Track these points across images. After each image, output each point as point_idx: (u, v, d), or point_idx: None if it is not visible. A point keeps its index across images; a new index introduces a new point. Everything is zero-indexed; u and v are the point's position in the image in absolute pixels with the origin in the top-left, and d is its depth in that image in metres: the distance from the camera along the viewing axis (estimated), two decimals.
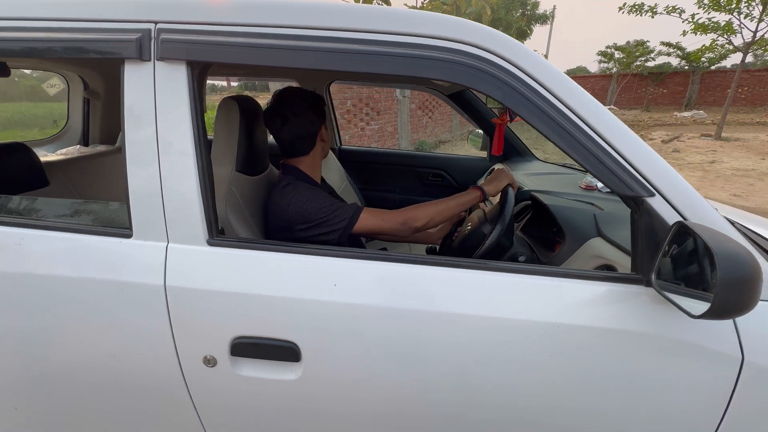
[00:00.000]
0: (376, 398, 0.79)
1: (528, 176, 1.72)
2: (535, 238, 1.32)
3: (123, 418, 0.89)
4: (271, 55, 0.70)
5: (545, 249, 1.24)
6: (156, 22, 0.72)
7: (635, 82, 18.85)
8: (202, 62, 0.73)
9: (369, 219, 1.00)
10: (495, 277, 0.75)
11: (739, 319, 0.70)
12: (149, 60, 0.72)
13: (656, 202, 0.69)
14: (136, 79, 0.73)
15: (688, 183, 0.71)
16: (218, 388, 0.80)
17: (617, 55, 18.71)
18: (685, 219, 0.68)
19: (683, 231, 0.65)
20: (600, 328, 0.71)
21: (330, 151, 1.85)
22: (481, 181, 1.43)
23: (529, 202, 1.46)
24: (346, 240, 0.99)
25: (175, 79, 0.72)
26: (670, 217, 0.68)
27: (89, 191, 1.58)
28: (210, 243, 0.76)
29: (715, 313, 0.57)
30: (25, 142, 1.30)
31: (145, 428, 0.90)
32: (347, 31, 0.70)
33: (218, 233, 0.78)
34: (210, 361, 0.77)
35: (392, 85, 3.16)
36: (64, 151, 1.95)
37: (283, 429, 0.85)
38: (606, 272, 0.79)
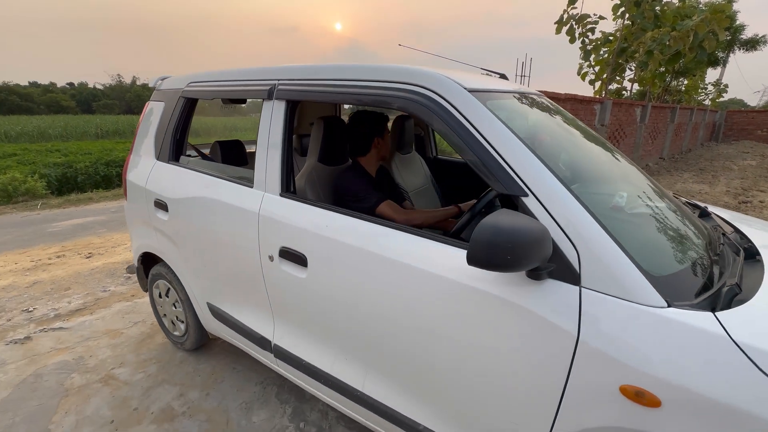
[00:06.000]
0: (346, 300, 1.26)
1: None
2: None
3: (235, 284, 1.65)
4: (320, 95, 1.31)
5: None
6: (278, 80, 1.44)
7: None
8: (292, 100, 1.41)
9: (385, 209, 1.50)
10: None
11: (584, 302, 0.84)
12: (272, 99, 1.45)
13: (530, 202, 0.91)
14: (266, 109, 1.47)
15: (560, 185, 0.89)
16: (273, 276, 1.45)
17: None
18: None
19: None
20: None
21: (418, 157, 2.32)
22: None
23: None
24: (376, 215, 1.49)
25: (280, 109, 1.42)
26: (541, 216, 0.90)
27: None
28: (281, 194, 1.42)
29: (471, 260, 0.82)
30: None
31: (244, 287, 1.62)
32: (353, 81, 1.24)
33: (288, 191, 1.43)
34: (271, 258, 1.42)
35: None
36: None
37: (300, 309, 1.42)
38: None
